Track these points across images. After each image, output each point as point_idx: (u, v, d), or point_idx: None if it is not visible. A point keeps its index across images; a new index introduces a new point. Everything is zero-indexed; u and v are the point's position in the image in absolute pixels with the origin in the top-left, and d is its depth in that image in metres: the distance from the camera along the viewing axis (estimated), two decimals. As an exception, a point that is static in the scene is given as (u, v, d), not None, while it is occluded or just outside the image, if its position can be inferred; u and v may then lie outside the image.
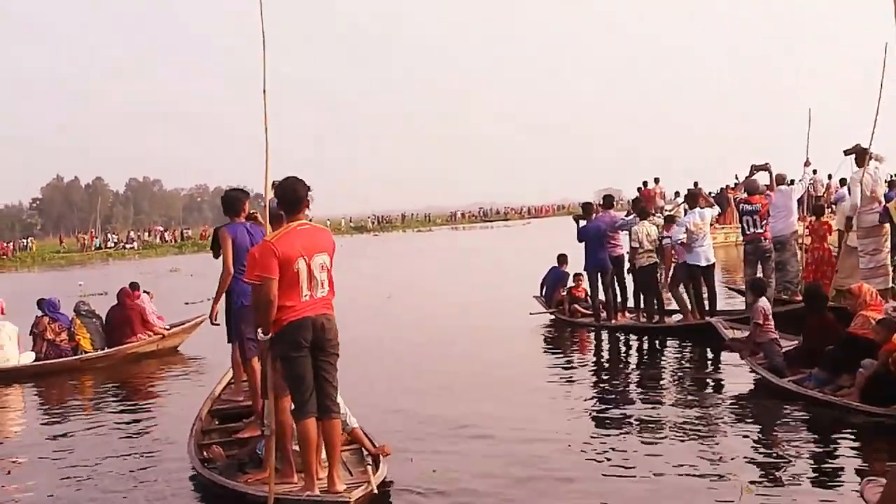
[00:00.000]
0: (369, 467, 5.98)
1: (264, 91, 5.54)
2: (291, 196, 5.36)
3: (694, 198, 12.06)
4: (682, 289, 12.15)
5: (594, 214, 13.21)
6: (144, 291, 13.59)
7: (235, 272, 7.07)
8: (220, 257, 7.41)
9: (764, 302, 8.74)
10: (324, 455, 5.62)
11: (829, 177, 25.65)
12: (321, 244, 5.38)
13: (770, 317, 8.61)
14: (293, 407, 5.43)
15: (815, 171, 16.06)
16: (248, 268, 5.48)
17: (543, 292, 14.65)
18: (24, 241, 72.68)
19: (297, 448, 5.64)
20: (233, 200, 7.50)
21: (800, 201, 13.27)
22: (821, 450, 6.49)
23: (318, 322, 5.28)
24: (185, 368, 12.06)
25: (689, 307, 11.99)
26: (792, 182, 12.94)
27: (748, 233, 11.46)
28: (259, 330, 5.27)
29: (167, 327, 13.44)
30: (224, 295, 7.32)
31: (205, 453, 6.57)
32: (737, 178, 26.44)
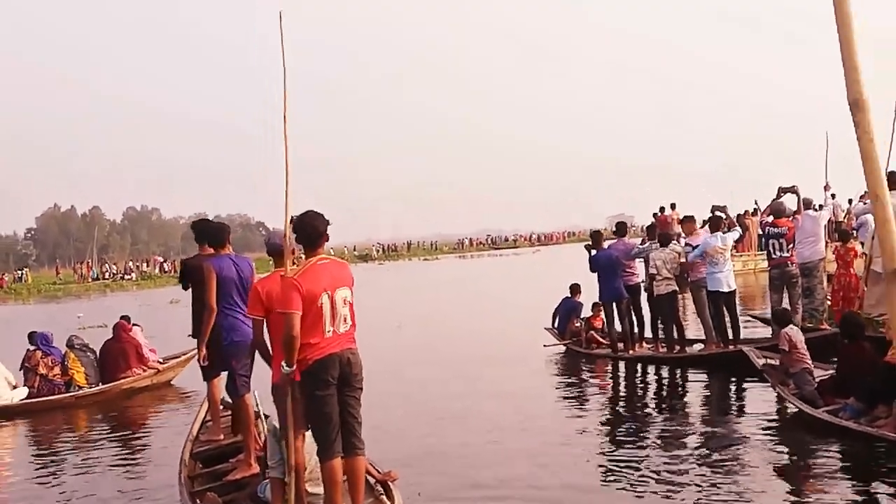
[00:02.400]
0: (382, 496, 5.88)
1: (284, 121, 5.42)
2: (311, 231, 5.39)
3: (716, 222, 11.89)
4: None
5: (605, 242, 13.06)
6: (135, 324, 13.52)
7: (222, 306, 7.00)
8: (191, 289, 7.33)
9: (791, 329, 8.62)
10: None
11: (850, 202, 25.46)
12: (342, 278, 5.41)
13: (800, 345, 8.48)
14: (317, 447, 5.38)
15: (833, 196, 15.93)
16: (252, 303, 5.54)
17: (556, 324, 14.45)
18: (20, 272, 72.79)
19: (307, 488, 5.55)
20: (219, 231, 7.43)
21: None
22: (856, 484, 6.34)
23: (343, 358, 5.30)
24: (180, 403, 11.94)
25: (714, 334, 11.80)
26: (820, 207, 12.79)
27: (774, 257, 11.29)
28: (283, 363, 5.22)
29: (160, 360, 13.34)
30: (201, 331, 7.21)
31: (197, 501, 6.35)
32: (756, 203, 26.31)
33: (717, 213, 12.12)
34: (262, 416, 7.01)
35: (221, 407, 7.83)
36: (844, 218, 25.00)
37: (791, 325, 8.74)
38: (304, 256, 5.59)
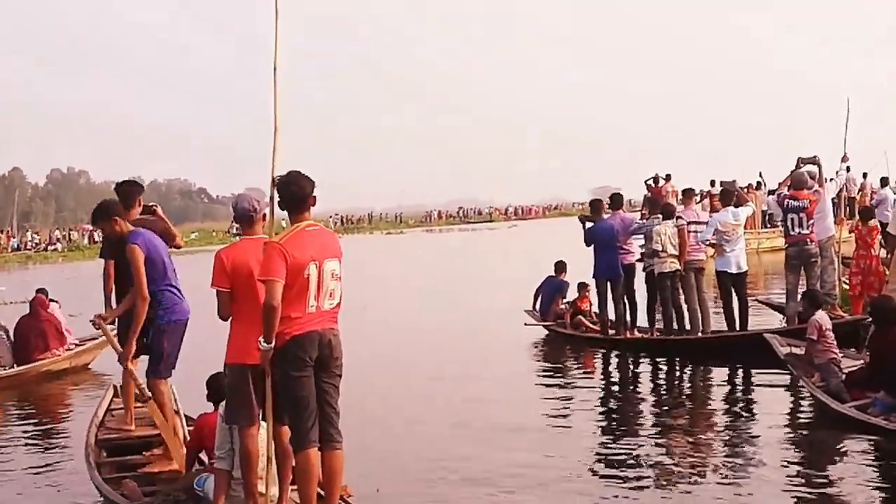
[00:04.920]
0: None
1: (274, 68, 5.35)
2: (297, 193, 5.33)
3: (728, 194, 11.78)
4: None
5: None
6: (52, 300, 13.20)
7: (162, 284, 6.81)
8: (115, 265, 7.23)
9: (821, 315, 8.57)
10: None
11: (864, 175, 25.52)
12: (332, 248, 5.39)
13: (829, 333, 8.43)
14: (291, 436, 5.35)
15: (848, 169, 15.91)
16: (217, 274, 5.52)
17: (538, 305, 14.24)
18: (-72, 240, 71.25)
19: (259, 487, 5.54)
20: (129, 194, 7.34)
21: (833, 202, 13.07)
22: (885, 488, 6.36)
23: (325, 338, 5.25)
24: (99, 388, 11.60)
25: (699, 323, 11.75)
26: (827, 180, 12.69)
27: (792, 233, 11.16)
28: (261, 339, 5.16)
29: (76, 342, 13.05)
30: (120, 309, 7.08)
31: (108, 487, 6.31)
32: (761, 176, 26.34)
33: (727, 185, 12.02)
34: (182, 413, 7.11)
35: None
36: (858, 194, 25.07)
37: (821, 311, 8.69)
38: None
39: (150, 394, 6.89)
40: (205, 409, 6.23)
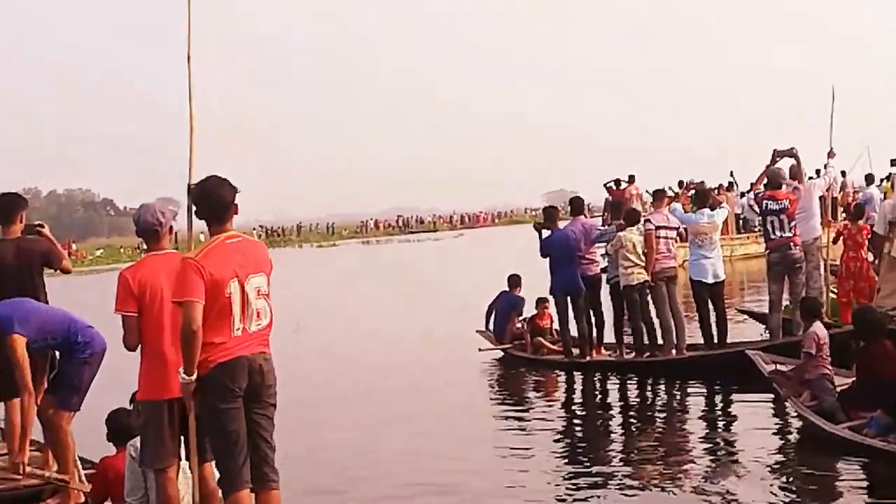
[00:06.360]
0: None
1: (188, 58, 5.48)
2: (218, 201, 5.24)
3: (703, 196, 11.80)
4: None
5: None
6: None
7: (72, 330, 6.65)
8: None
9: (819, 327, 8.59)
10: None
11: (844, 174, 25.92)
12: (257, 262, 5.31)
13: (824, 347, 8.45)
14: (220, 477, 5.28)
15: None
16: (122, 297, 5.46)
17: (492, 324, 14.10)
18: None
19: None
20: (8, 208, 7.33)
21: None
22: None
23: (255, 364, 5.19)
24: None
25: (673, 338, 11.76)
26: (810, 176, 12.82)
27: (773, 237, 11.22)
28: (181, 370, 5.09)
29: None
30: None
31: None
32: (732, 176, 26.58)
33: (700, 189, 12.10)
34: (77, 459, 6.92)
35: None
36: (839, 193, 25.46)
37: (819, 323, 8.73)
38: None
39: None
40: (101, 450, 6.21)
